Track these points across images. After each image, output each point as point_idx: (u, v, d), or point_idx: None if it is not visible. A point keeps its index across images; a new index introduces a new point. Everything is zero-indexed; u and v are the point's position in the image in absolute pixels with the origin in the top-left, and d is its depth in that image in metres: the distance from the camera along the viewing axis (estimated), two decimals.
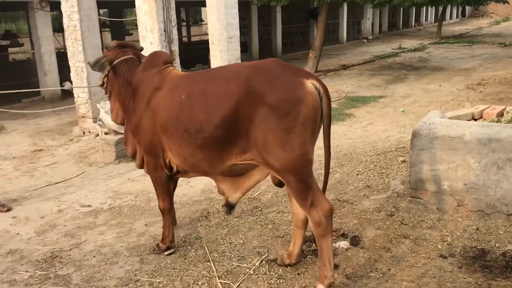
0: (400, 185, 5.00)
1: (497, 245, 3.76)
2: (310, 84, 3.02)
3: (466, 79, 12.66)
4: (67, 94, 11.42)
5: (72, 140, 8.73)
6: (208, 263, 3.73)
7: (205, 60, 14.67)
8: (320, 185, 3.28)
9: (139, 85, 3.74)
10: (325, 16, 14.67)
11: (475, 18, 46.39)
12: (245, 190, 3.50)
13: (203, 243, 4.06)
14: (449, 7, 34.83)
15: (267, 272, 3.56)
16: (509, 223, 4.05)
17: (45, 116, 10.93)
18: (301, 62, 16.57)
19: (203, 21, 28.34)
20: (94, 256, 3.96)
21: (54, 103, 12.36)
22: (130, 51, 4.00)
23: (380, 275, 3.45)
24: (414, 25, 35.79)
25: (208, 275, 3.57)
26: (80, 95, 9.15)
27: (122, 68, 3.88)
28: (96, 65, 3.92)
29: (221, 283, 3.45)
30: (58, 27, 15.74)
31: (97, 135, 8.15)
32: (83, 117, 9.29)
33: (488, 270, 3.42)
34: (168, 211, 3.92)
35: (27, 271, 3.78)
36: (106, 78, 3.98)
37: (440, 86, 11.84)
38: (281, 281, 3.44)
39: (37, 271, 3.76)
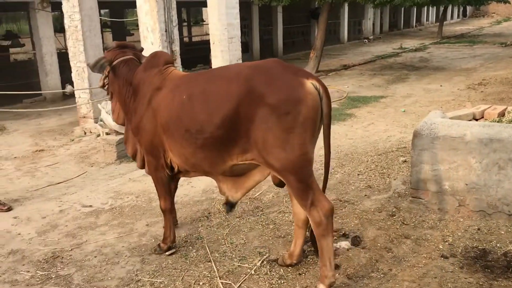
0: (401, 185, 4.99)
1: (498, 245, 3.75)
2: (310, 84, 3.03)
3: (467, 79, 12.65)
4: (68, 95, 11.42)
5: (73, 140, 8.74)
6: (209, 263, 3.74)
7: (206, 61, 14.67)
8: (320, 185, 3.28)
9: (140, 85, 3.74)
10: (326, 16, 14.66)
11: (476, 18, 46.35)
12: (245, 190, 3.51)
13: (204, 243, 4.06)
14: (450, 7, 34.82)
15: (268, 272, 3.56)
16: (511, 223, 4.05)
17: (47, 116, 10.94)
18: (302, 62, 16.57)
19: (204, 21, 28.34)
20: (95, 256, 3.97)
21: (56, 104, 12.36)
22: (130, 51, 4.01)
23: (381, 275, 3.45)
24: (415, 25, 35.77)
25: (209, 275, 3.57)
26: (81, 95, 9.16)
27: (122, 69, 3.89)
28: (95, 67, 3.93)
29: (222, 283, 3.45)
30: (59, 28, 15.75)
31: (98, 135, 8.15)
32: (84, 117, 9.29)
33: (489, 270, 3.42)
34: (169, 211, 3.92)
35: (28, 271, 3.78)
36: (106, 79, 4.00)
37: (441, 86, 11.84)
38: (282, 281, 3.44)
39: (39, 271, 3.77)
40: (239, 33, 9.21)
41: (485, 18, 45.94)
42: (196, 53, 17.94)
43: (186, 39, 23.51)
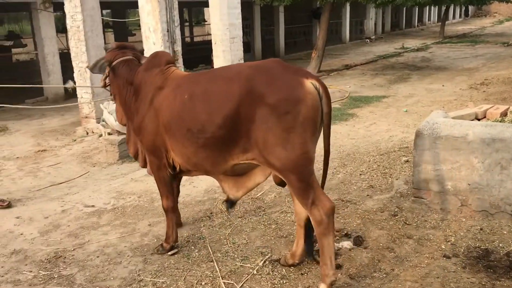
0: (403, 185, 4.99)
1: (501, 245, 3.75)
2: (309, 83, 3.03)
3: (469, 78, 12.64)
4: (71, 94, 11.45)
5: (75, 140, 8.75)
6: (212, 263, 3.74)
7: (208, 61, 14.69)
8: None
9: (141, 85, 3.75)
10: (327, 16, 14.66)
11: (478, 18, 46.31)
12: (247, 190, 3.52)
13: (206, 243, 4.06)
14: (452, 7, 34.75)
15: (271, 272, 3.56)
16: None
17: (49, 116, 10.97)
18: (304, 62, 16.57)
19: (206, 21, 28.38)
20: (98, 256, 3.97)
21: (58, 104, 12.39)
22: (130, 52, 4.03)
23: (384, 275, 3.44)
24: (417, 25, 35.74)
25: (211, 275, 3.57)
26: (84, 95, 9.18)
27: (122, 69, 3.91)
28: (95, 67, 3.96)
29: (224, 283, 3.45)
30: (61, 28, 15.79)
31: (101, 135, 8.16)
32: (87, 117, 9.31)
33: (492, 270, 3.41)
34: (171, 211, 3.93)
35: (31, 271, 3.79)
36: (107, 79, 4.02)
37: (443, 86, 11.82)
38: (285, 281, 3.44)
39: (41, 271, 3.78)
40: (241, 33, 9.21)
41: (487, 17, 45.88)
42: (198, 53, 17.98)
43: (188, 39, 23.54)
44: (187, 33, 24.33)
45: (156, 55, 3.91)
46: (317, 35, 16.04)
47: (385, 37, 27.93)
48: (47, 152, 8.11)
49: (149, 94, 3.66)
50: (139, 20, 8.44)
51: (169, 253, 3.91)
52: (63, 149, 8.26)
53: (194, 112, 3.30)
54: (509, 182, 4.02)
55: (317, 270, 3.51)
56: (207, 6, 9.44)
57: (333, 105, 9.79)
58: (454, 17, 41.86)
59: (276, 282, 3.43)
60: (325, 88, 3.11)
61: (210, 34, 9.41)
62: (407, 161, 5.70)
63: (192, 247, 4.02)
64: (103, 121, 8.08)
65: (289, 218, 4.42)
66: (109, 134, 7.76)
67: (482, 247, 3.72)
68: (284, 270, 3.57)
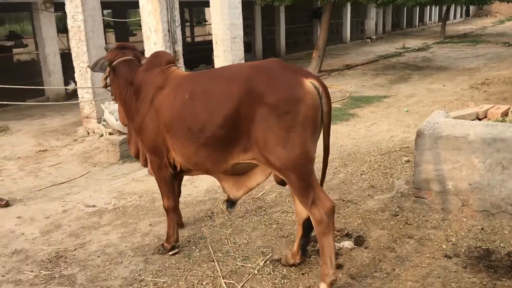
0: (404, 185, 4.99)
1: (502, 245, 3.74)
2: (309, 83, 3.04)
3: (470, 78, 12.63)
4: (71, 94, 11.47)
5: (76, 140, 8.76)
6: (213, 263, 3.74)
7: (209, 60, 14.69)
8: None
9: (142, 85, 3.76)
10: (328, 16, 14.66)
11: (479, 18, 46.27)
12: (247, 189, 3.53)
13: (207, 243, 4.07)
14: (453, 7, 34.74)
15: (272, 272, 3.56)
16: None
17: (50, 116, 10.98)
18: (305, 62, 16.57)
19: (207, 21, 28.37)
20: (99, 256, 3.98)
21: (59, 103, 12.40)
22: (130, 52, 4.04)
23: (385, 275, 3.44)
24: (418, 25, 35.72)
25: (212, 275, 3.57)
26: (84, 95, 9.19)
27: (122, 69, 3.92)
28: (96, 66, 3.97)
29: (225, 283, 3.45)
30: (62, 28, 15.79)
31: (102, 135, 8.17)
32: (88, 117, 9.31)
33: (493, 270, 3.41)
34: (172, 210, 3.93)
35: (32, 271, 3.79)
36: (107, 79, 4.04)
37: (444, 85, 11.82)
38: (286, 281, 3.44)
39: (42, 271, 3.78)
40: (241, 33, 9.21)
41: (488, 17, 45.86)
42: (198, 53, 17.97)
43: (188, 39, 23.53)
44: (188, 33, 24.31)
45: (156, 55, 3.92)
46: (318, 35, 16.03)
47: (386, 37, 27.91)
48: (48, 152, 8.12)
49: (149, 93, 3.67)
50: (140, 20, 8.45)
51: (170, 253, 3.91)
52: (64, 149, 8.26)
53: (194, 111, 3.31)
54: (510, 182, 4.01)
55: (318, 269, 3.51)
56: (208, 6, 9.45)
57: (334, 105, 9.84)
58: (455, 17, 41.83)
59: (277, 282, 3.43)
60: (324, 88, 3.11)
61: (211, 34, 9.41)
62: (408, 161, 5.69)
63: (193, 247, 4.02)
64: (104, 121, 8.09)
65: (290, 218, 4.42)
66: (110, 134, 7.76)
67: (483, 247, 3.71)
68: (285, 270, 3.57)
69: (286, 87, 3.03)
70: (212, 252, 3.90)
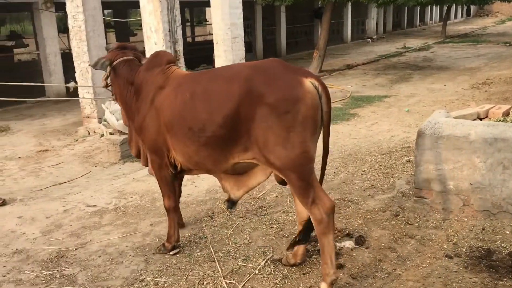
0: (405, 185, 4.98)
1: (503, 245, 3.74)
2: (308, 83, 3.05)
3: (471, 78, 12.62)
4: (72, 94, 11.46)
5: (77, 140, 8.76)
6: (213, 262, 3.74)
7: (210, 60, 14.69)
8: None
9: (142, 85, 3.77)
10: (329, 16, 14.65)
11: (480, 17, 46.23)
12: (247, 189, 3.53)
13: (208, 243, 4.07)
14: (454, 6, 34.74)
15: (272, 272, 3.56)
16: None
17: (50, 116, 10.98)
18: (306, 62, 16.57)
19: (207, 21, 28.38)
20: (100, 256, 3.98)
21: (60, 104, 12.41)
22: (130, 52, 4.05)
23: (386, 275, 3.44)
24: (419, 25, 35.70)
25: (213, 274, 3.57)
26: (85, 95, 9.19)
27: (122, 69, 3.93)
28: (97, 65, 3.98)
29: (226, 282, 3.45)
30: (63, 28, 15.80)
31: (102, 135, 8.17)
32: (88, 117, 9.32)
33: (494, 270, 3.41)
34: (173, 210, 3.93)
35: (33, 271, 3.79)
36: (108, 78, 4.05)
37: (445, 85, 11.81)
38: (286, 281, 3.44)
39: (43, 271, 3.78)
40: (242, 32, 9.21)
41: (489, 17, 45.82)
42: (199, 53, 17.97)
43: (189, 39, 23.54)
44: (188, 33, 24.32)
45: (157, 54, 3.93)
46: (319, 35, 16.03)
47: (387, 37, 27.90)
48: (49, 152, 8.12)
49: (150, 93, 3.67)
50: (140, 20, 8.45)
51: (171, 252, 3.91)
52: (65, 149, 8.27)
53: (195, 111, 3.31)
54: (511, 182, 4.01)
55: (319, 269, 3.50)
56: (209, 6, 9.45)
57: (335, 105, 9.84)
58: (456, 16, 41.79)
59: (278, 281, 3.43)
60: (324, 87, 3.12)
61: (212, 34, 9.41)
62: (409, 160, 5.69)
63: (194, 247, 4.02)
64: (105, 121, 8.09)
65: (290, 218, 4.42)
66: (110, 134, 7.76)
67: (484, 247, 3.71)
68: (286, 269, 3.57)
69: (286, 86, 3.03)
70: (213, 252, 3.90)
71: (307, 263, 3.62)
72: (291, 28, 22.69)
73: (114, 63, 3.94)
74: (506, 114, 5.02)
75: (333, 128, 7.73)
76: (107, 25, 19.35)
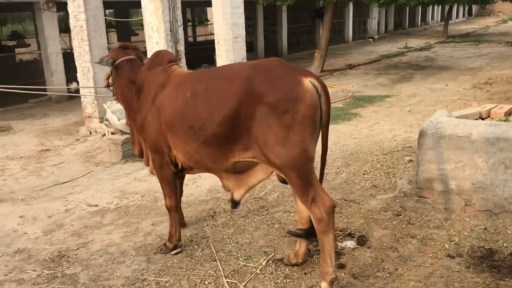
0: (407, 184, 4.98)
1: (505, 245, 3.73)
2: (308, 82, 3.05)
3: (472, 78, 12.60)
4: (73, 92, 11.46)
5: (78, 140, 8.77)
6: (215, 262, 3.74)
7: (211, 60, 14.69)
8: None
9: (144, 84, 3.78)
10: (330, 16, 14.64)
11: (482, 17, 46.18)
12: (248, 188, 3.54)
13: (209, 243, 4.06)
14: (455, 6, 34.67)
15: (274, 271, 3.56)
16: None
17: (52, 116, 11.00)
18: (307, 62, 16.57)
19: (209, 21, 28.39)
20: (101, 256, 3.98)
21: (61, 103, 12.44)
22: (132, 52, 4.06)
23: (387, 274, 3.43)
24: (420, 24, 35.66)
25: (214, 274, 3.57)
26: (87, 95, 9.20)
27: (124, 68, 3.94)
28: (102, 62, 3.99)
29: (227, 282, 3.45)
30: (64, 28, 15.82)
31: (104, 135, 8.18)
32: (90, 117, 9.33)
33: (496, 270, 3.40)
34: (175, 209, 3.94)
35: (34, 270, 3.79)
36: (110, 78, 4.06)
37: (446, 85, 11.80)
38: (288, 280, 3.44)
39: (45, 270, 3.78)
40: (243, 32, 9.21)
41: (490, 17, 45.76)
42: (200, 53, 17.97)
43: (190, 39, 23.54)
44: (190, 32, 24.34)
45: (158, 54, 3.95)
46: (320, 34, 16.02)
47: (388, 37, 27.88)
48: (50, 152, 8.13)
49: (151, 92, 3.69)
50: (142, 19, 8.45)
51: (172, 252, 3.91)
52: (67, 148, 8.27)
53: (195, 110, 3.33)
54: None
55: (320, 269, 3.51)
56: (210, 5, 9.45)
57: (336, 105, 9.84)
58: (457, 16, 41.74)
59: (279, 281, 3.43)
60: (324, 87, 3.12)
61: (213, 34, 9.41)
62: (411, 160, 5.68)
63: (195, 247, 4.02)
64: (106, 120, 8.10)
65: (292, 218, 4.41)
66: (112, 133, 7.77)
67: (486, 247, 3.70)
68: (287, 269, 3.57)
69: (285, 86, 3.05)
70: (214, 251, 3.90)
71: (308, 263, 3.62)
72: (293, 27, 22.69)
73: (116, 62, 3.95)
74: (508, 113, 5.01)
75: (334, 128, 7.75)
76: (109, 25, 19.36)
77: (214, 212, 4.69)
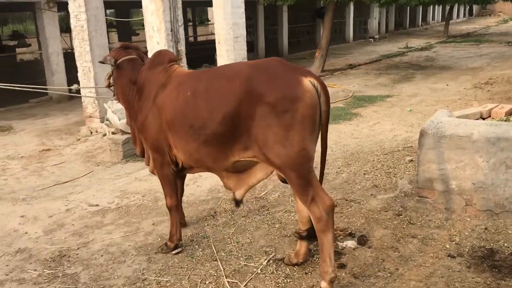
0: (407, 184, 4.98)
1: (506, 244, 3.73)
2: (307, 82, 3.06)
3: (473, 78, 12.59)
4: (74, 93, 11.46)
5: (79, 139, 8.77)
6: (216, 262, 3.74)
7: (212, 60, 14.69)
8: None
9: (145, 83, 3.79)
10: (331, 16, 14.64)
11: (483, 17, 46.14)
12: (248, 187, 3.55)
13: (210, 242, 4.07)
14: (456, 6, 34.64)
15: (275, 271, 3.56)
16: None
17: (53, 116, 11.00)
18: (308, 62, 16.57)
19: (209, 21, 28.40)
20: (102, 255, 3.98)
21: (62, 103, 12.44)
22: (134, 52, 4.07)
23: (388, 274, 3.43)
24: (421, 24, 35.65)
25: (215, 274, 3.57)
26: (87, 95, 9.20)
27: (125, 68, 3.95)
28: (106, 60, 4.00)
29: (228, 282, 3.45)
30: (65, 28, 15.84)
31: (104, 134, 8.18)
32: (90, 117, 9.33)
33: (497, 270, 3.40)
34: (175, 209, 3.94)
35: (35, 270, 3.80)
36: (111, 78, 4.07)
37: (447, 85, 11.79)
38: (289, 280, 3.44)
39: (46, 270, 3.79)
40: (244, 32, 9.22)
41: (491, 17, 45.72)
42: (201, 53, 17.98)
43: (191, 39, 23.55)
44: (190, 32, 24.34)
45: (159, 53, 3.96)
46: (321, 34, 16.02)
47: (389, 37, 27.87)
48: (51, 152, 8.13)
49: (152, 92, 3.70)
50: (143, 19, 8.46)
51: (173, 252, 3.91)
52: (67, 148, 8.28)
53: (196, 109, 3.34)
54: None
55: None
56: (211, 5, 9.46)
57: (337, 105, 9.84)
58: (458, 16, 41.71)
59: (280, 281, 3.43)
60: (323, 86, 3.13)
61: (214, 34, 9.42)
62: (411, 160, 5.68)
63: (196, 246, 4.02)
64: (107, 120, 8.10)
65: (292, 217, 4.41)
66: (113, 133, 7.77)
67: (487, 247, 3.70)
68: (288, 269, 3.57)
69: (285, 86, 3.05)
70: (215, 251, 3.90)
71: (309, 263, 3.62)
72: (293, 27, 22.69)
73: (117, 62, 3.96)
74: (509, 113, 5.01)
75: (335, 127, 7.75)
76: (109, 25, 19.39)
77: (215, 212, 4.69)
